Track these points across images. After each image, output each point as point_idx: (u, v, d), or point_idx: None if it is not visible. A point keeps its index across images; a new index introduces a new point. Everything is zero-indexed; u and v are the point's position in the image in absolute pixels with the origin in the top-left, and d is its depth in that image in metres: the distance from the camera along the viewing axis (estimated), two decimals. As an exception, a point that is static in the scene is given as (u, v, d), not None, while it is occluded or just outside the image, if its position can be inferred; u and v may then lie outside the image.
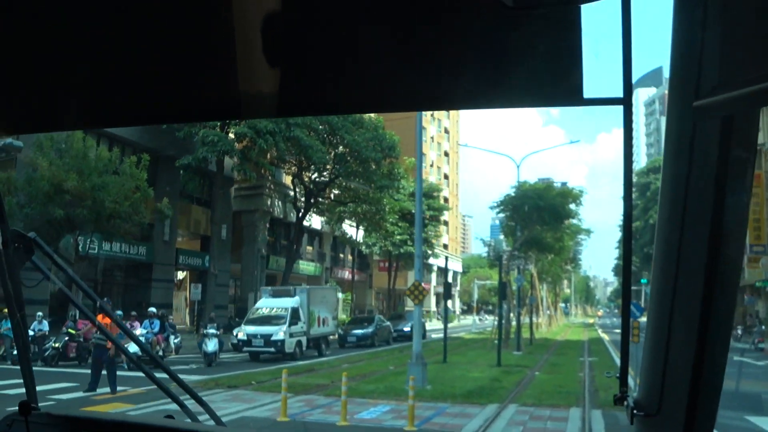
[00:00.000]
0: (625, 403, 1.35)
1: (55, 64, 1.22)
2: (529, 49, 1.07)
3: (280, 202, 41.11)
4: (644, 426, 1.36)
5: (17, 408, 1.80)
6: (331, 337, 28.14)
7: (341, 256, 52.20)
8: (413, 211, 52.99)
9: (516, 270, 28.38)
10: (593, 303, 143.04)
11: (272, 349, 21.17)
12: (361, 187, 38.30)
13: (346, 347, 29.09)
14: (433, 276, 76.32)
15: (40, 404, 1.88)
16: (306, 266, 44.98)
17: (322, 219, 42.69)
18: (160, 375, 2.10)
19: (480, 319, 67.69)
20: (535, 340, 33.76)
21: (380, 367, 19.23)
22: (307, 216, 40.17)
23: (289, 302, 22.84)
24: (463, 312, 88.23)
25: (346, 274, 52.53)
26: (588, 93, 1.07)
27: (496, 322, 28.76)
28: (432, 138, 76.17)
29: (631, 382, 1.36)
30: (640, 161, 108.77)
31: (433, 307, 77.70)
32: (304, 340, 22.98)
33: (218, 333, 18.99)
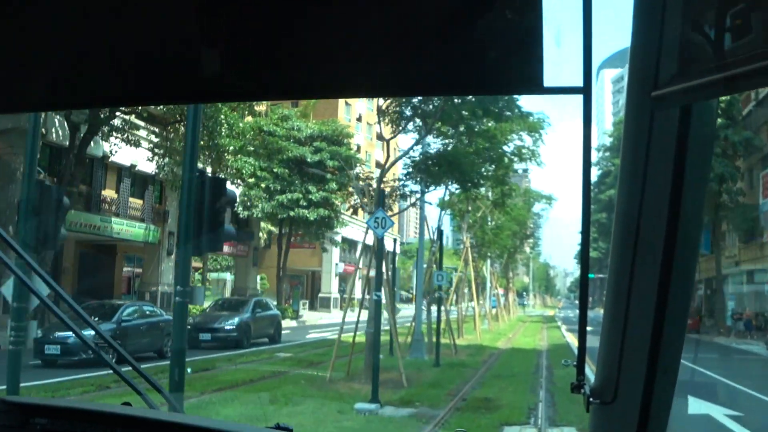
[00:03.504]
0: (582, 391, 1.34)
1: (17, 45, 1.20)
2: (489, 37, 1.05)
3: (65, 120, 25.29)
4: (600, 413, 1.36)
5: None
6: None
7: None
8: (309, 159, 37.74)
9: (385, 202, 13.26)
10: (553, 293, 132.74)
11: None
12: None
13: (55, 366, 13.75)
14: (359, 256, 61.78)
15: None
16: (127, 228, 29.41)
17: (153, 158, 27.08)
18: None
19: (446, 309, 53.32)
20: (456, 351, 19.00)
21: None
22: (109, 146, 24.81)
23: None
24: (403, 300, 74.10)
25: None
26: (549, 82, 1.06)
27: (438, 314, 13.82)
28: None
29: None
30: (605, 126, 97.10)
31: (358, 294, 63.56)
32: None
33: None
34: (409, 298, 73.69)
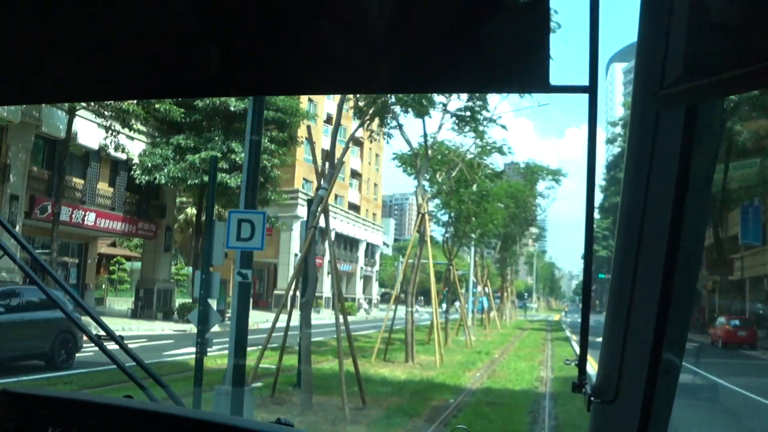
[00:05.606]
0: (583, 390, 1.33)
1: (29, 37, 1.20)
2: (496, 35, 1.05)
3: None
4: (601, 413, 1.35)
5: None
6: None
7: (84, 184, 26.77)
8: (233, 107, 27.01)
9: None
10: (558, 295, 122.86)
11: None
12: None
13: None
14: (360, 253, 53.67)
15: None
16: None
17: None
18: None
19: (413, 311, 43.84)
20: (365, 404, 8.95)
21: None
22: None
23: None
24: (384, 300, 64.53)
25: (94, 219, 27.53)
26: (555, 80, 1.08)
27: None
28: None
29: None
30: (616, 116, 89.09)
31: (360, 293, 54.48)
32: None
33: None
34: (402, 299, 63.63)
